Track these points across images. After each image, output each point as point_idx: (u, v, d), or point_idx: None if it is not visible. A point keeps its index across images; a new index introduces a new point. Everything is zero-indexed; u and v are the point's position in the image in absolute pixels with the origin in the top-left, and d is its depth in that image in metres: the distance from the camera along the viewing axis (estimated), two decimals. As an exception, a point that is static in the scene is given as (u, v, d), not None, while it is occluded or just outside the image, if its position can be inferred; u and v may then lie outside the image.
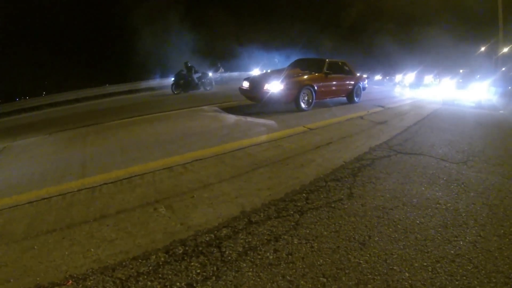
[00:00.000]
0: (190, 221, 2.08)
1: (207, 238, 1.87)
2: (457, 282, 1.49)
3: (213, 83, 14.78)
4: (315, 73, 7.31)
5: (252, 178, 2.82)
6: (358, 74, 9.07)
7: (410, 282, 1.48)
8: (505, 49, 15.24)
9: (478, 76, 12.35)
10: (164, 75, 19.34)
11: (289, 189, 2.56)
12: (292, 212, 2.16)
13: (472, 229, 1.99)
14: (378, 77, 26.12)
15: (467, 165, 3.26)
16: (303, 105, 6.83)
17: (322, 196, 2.44)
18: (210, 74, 15.13)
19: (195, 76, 13.74)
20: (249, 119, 5.78)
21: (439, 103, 9.47)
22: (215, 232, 1.94)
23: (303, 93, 6.81)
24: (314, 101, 7.10)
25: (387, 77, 24.76)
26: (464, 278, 1.52)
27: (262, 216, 2.12)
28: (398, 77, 20.97)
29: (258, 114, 6.34)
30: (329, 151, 3.66)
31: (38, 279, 1.59)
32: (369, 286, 1.45)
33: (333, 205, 2.27)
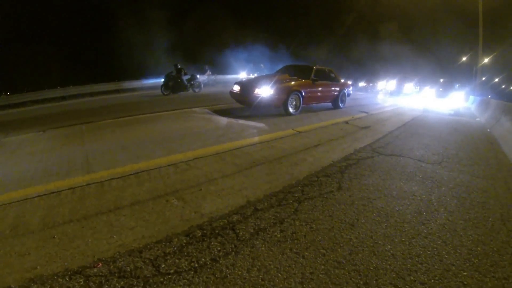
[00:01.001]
0: (203, 210, 2.38)
1: (221, 223, 2.17)
2: (428, 252, 1.88)
3: (202, 86, 15.04)
4: (303, 79, 7.76)
5: (252, 174, 3.15)
6: (343, 81, 9.69)
7: (391, 252, 1.86)
8: (485, 60, 16.39)
9: (458, 85, 13.29)
10: (153, 76, 19.36)
11: (286, 183, 2.91)
12: (291, 201, 2.51)
13: (442, 215, 2.40)
14: (362, 83, 27.07)
15: (441, 165, 3.74)
16: (291, 110, 7.26)
17: (315, 188, 2.80)
18: (199, 76, 15.38)
19: (185, 78, 13.94)
20: (241, 121, 6.11)
21: (419, 111, 10.16)
22: (227, 218, 2.25)
23: (292, 98, 7.22)
24: (301, 106, 7.52)
25: (371, 84, 25.67)
26: (435, 249, 1.92)
27: (265, 204, 2.45)
28: (381, 84, 21.70)
29: (248, 117, 6.69)
30: (319, 152, 4.05)
31: (66, 264, 1.74)
32: (359, 255, 1.81)
33: (325, 196, 2.64)
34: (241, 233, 2.02)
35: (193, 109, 7.88)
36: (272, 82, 7.00)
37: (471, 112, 10.91)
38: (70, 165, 3.53)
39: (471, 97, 10.91)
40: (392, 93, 17.51)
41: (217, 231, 2.06)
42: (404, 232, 2.10)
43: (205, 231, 2.06)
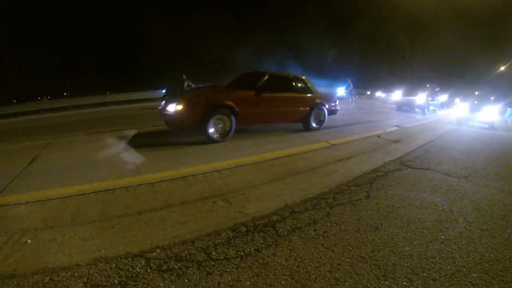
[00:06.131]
0: (246, 210, 2.71)
1: (263, 222, 2.50)
2: (443, 255, 2.04)
3: None
4: (243, 89, 5.43)
5: (288, 182, 3.44)
6: (322, 93, 7.03)
7: (409, 252, 2.05)
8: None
9: (493, 98, 12.35)
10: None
11: (320, 191, 3.16)
12: (324, 206, 2.77)
13: (461, 224, 2.51)
14: (379, 93, 23.93)
15: (467, 179, 3.73)
16: (214, 135, 4.91)
17: (345, 196, 3.04)
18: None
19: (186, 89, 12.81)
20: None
21: (453, 124, 9.69)
22: (268, 218, 2.57)
23: (215, 117, 4.86)
24: (233, 128, 5.13)
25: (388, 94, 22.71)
26: (449, 253, 2.07)
27: (301, 208, 2.74)
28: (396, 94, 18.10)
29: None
30: (350, 164, 4.23)
31: (127, 248, 2.01)
32: (381, 253, 2.03)
33: (354, 203, 2.86)
34: (280, 230, 2.33)
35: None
36: (186, 94, 5.28)
37: (507, 126, 10.12)
38: (121, 166, 3.90)
39: (509, 110, 10.10)
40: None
41: (259, 228, 2.38)
42: (423, 237, 2.26)
43: (249, 228, 2.39)
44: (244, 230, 2.36)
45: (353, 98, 15.81)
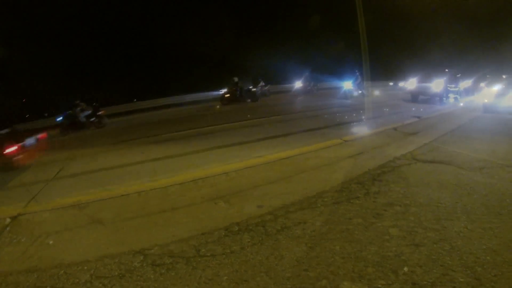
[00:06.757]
0: (244, 211, 2.79)
1: (255, 221, 2.55)
2: (433, 257, 1.95)
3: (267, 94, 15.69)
4: None
5: (294, 180, 3.46)
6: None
7: (396, 253, 1.99)
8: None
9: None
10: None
11: (321, 189, 3.14)
12: (319, 205, 2.76)
13: (462, 223, 2.37)
14: (402, 83, 22.06)
15: (481, 172, 3.48)
16: None
17: (344, 194, 2.99)
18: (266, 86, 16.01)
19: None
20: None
21: (479, 111, 8.95)
22: (261, 217, 2.62)
23: None
24: None
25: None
26: (440, 254, 1.97)
27: (297, 207, 2.75)
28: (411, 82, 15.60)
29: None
30: (360, 160, 4.13)
31: (131, 246, 2.31)
32: (363, 253, 2.00)
33: (351, 201, 2.81)
34: (269, 229, 2.37)
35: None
36: None
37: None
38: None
39: None
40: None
41: (250, 227, 2.44)
42: (415, 237, 2.18)
43: (240, 227, 2.47)
44: (236, 229, 2.45)
45: (364, 91, 14.96)
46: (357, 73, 15.12)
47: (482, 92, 11.92)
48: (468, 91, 14.11)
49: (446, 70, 12.97)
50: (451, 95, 12.01)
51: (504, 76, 12.25)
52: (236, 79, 14.86)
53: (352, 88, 14.99)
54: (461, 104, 11.30)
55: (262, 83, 17.35)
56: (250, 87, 15.55)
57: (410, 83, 13.65)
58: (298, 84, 17.93)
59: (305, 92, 17.40)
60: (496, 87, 9.47)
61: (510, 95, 8.50)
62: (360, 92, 15.02)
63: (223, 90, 14.96)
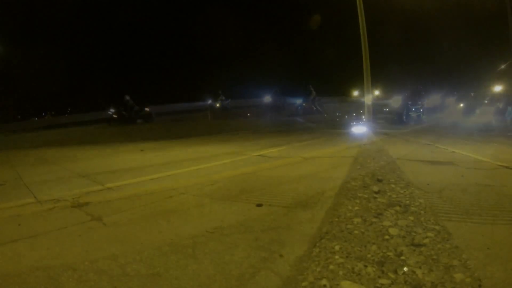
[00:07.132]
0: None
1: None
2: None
3: (229, 107, 15.83)
4: None
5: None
6: None
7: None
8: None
9: (486, 100, 11.90)
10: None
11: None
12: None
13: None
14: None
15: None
16: None
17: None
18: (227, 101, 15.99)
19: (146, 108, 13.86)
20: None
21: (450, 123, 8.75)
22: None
23: None
24: None
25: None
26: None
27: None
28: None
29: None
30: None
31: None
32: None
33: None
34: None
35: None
36: None
37: (505, 125, 9.85)
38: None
39: (509, 109, 9.95)
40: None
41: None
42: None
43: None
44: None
45: (319, 108, 13.97)
46: (311, 89, 14.34)
47: (448, 109, 12.47)
48: (436, 108, 13.73)
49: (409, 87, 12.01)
50: (412, 114, 10.84)
51: (472, 94, 13.04)
52: (127, 97, 12.80)
53: (304, 104, 14.04)
54: (423, 123, 10.38)
55: (222, 97, 17.06)
56: (145, 107, 13.68)
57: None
58: (267, 99, 17.66)
59: (274, 107, 16.99)
60: (462, 104, 10.10)
61: (476, 112, 9.07)
62: (315, 109, 14.05)
63: (112, 111, 13.18)
